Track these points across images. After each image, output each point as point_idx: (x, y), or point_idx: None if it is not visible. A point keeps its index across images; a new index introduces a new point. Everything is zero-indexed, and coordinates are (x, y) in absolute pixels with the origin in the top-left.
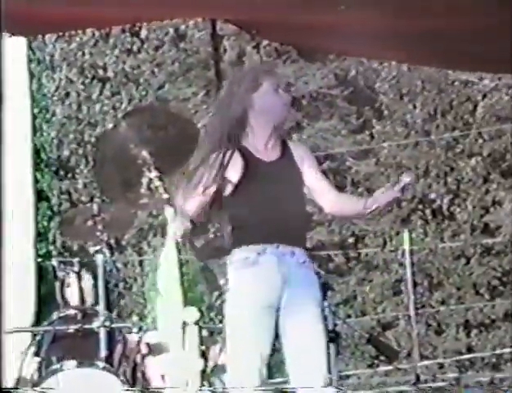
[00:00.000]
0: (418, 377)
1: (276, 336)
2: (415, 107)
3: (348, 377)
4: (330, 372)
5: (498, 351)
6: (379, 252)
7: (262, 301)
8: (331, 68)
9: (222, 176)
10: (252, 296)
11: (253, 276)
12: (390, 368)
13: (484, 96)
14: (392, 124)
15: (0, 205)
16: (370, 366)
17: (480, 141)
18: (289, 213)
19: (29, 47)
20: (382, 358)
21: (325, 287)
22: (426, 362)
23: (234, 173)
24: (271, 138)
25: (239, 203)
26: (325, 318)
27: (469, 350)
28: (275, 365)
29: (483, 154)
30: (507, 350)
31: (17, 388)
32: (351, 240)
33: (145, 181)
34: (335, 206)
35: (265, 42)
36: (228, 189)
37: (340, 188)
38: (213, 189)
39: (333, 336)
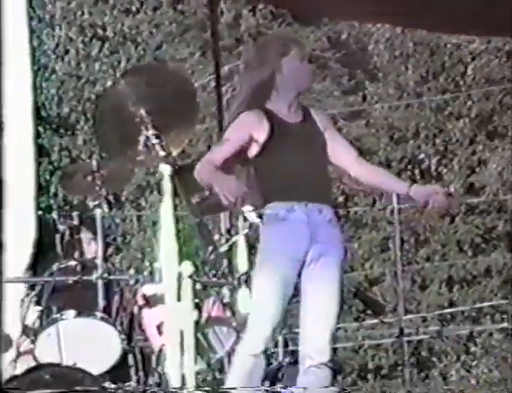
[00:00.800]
0: (402, 331)
1: (296, 288)
2: (407, 69)
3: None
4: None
5: (478, 305)
6: (368, 210)
7: (289, 254)
8: (324, 31)
9: (248, 134)
10: (280, 249)
11: (283, 231)
12: (376, 321)
13: (473, 58)
14: (385, 86)
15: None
16: (356, 319)
17: (469, 103)
18: (314, 172)
19: (30, 5)
20: (368, 312)
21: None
22: (410, 316)
23: (261, 133)
24: (295, 103)
25: (267, 162)
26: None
27: (451, 304)
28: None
29: (471, 115)
30: (486, 304)
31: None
32: (341, 198)
33: (142, 139)
34: (361, 172)
35: (260, 6)
36: (254, 149)
37: None
38: (238, 143)
39: None
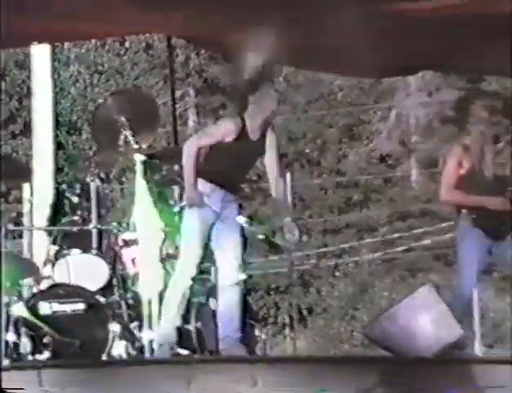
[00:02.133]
0: (292, 263)
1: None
2: (299, 94)
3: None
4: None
5: (342, 246)
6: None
7: (207, 217)
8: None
9: (227, 137)
10: (201, 214)
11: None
12: (276, 257)
13: (340, 89)
14: (285, 104)
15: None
16: (264, 256)
17: (337, 117)
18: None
19: (53, 50)
20: (271, 251)
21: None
22: (299, 253)
23: (231, 138)
24: (262, 125)
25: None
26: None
27: (325, 245)
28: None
29: (339, 125)
30: (347, 245)
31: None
32: (255, 177)
33: (122, 137)
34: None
35: (202, 51)
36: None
37: None
38: (216, 140)
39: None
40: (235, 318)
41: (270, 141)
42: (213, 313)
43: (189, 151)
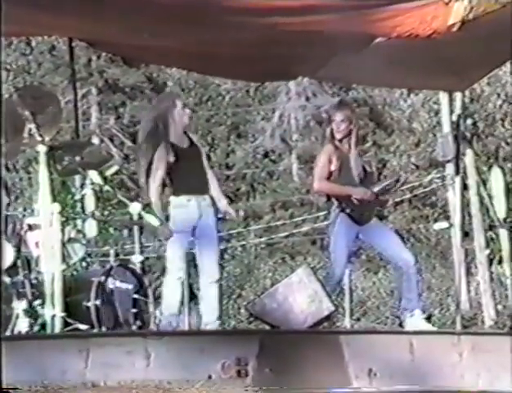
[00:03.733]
0: None
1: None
2: (190, 96)
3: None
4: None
5: (233, 231)
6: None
7: (186, 227)
8: (143, 71)
9: (166, 161)
10: (181, 224)
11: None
12: None
13: (228, 92)
14: None
15: None
16: (159, 241)
17: (225, 117)
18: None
19: None
20: None
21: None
22: None
23: (170, 158)
24: (183, 135)
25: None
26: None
27: None
28: None
29: (227, 123)
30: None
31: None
32: None
33: (27, 129)
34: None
35: (103, 54)
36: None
37: None
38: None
39: None
40: (216, 310)
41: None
42: (111, 292)
43: None
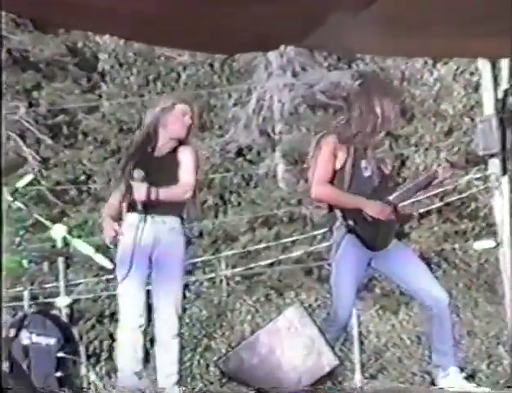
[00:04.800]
0: None
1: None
2: (132, 74)
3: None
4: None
5: (192, 261)
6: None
7: (140, 251)
8: (63, 39)
9: None
10: (131, 247)
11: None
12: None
13: (185, 68)
14: (115, 87)
15: None
16: (96, 276)
17: None
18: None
19: None
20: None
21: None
22: None
23: None
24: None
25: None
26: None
27: None
28: None
29: None
30: (199, 259)
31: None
32: (83, 177)
33: None
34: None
35: (3, 13)
36: None
37: (71, 137)
38: None
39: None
40: (175, 372)
41: (182, 154)
42: (26, 351)
43: None
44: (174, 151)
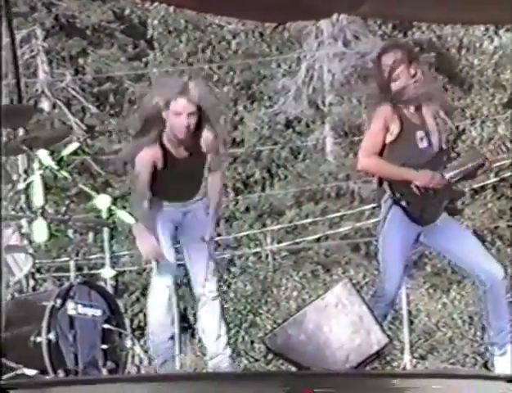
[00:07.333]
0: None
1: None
2: (181, 42)
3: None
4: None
5: (237, 235)
6: None
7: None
8: (110, 5)
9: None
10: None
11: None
12: None
13: (234, 36)
14: (163, 54)
15: None
16: None
17: (231, 73)
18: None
19: None
20: None
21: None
22: None
23: (158, 164)
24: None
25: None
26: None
27: (218, 235)
28: None
29: (234, 82)
30: (244, 233)
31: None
32: None
33: None
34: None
35: None
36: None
37: (117, 105)
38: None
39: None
40: (223, 334)
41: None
42: (71, 322)
43: None
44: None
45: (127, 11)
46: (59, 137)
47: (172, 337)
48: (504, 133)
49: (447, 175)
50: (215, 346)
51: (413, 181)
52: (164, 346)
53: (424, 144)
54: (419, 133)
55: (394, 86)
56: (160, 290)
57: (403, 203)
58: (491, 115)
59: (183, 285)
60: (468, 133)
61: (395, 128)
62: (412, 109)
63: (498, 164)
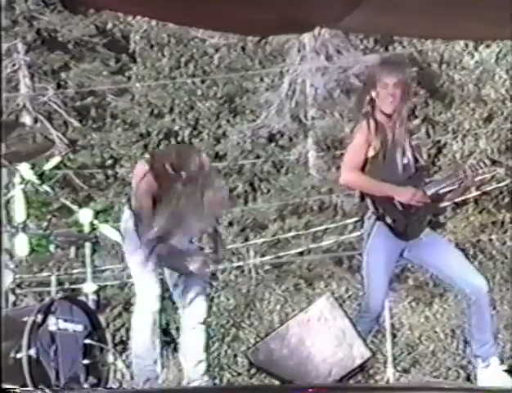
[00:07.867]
0: None
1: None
2: (163, 56)
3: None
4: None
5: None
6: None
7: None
8: (92, 20)
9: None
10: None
11: None
12: None
13: (217, 50)
14: (145, 69)
15: None
16: (122, 262)
17: (214, 87)
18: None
19: None
20: None
21: None
22: None
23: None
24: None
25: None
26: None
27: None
28: None
29: (217, 96)
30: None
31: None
32: (110, 161)
33: None
34: None
35: None
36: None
37: (99, 119)
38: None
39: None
40: (204, 359)
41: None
42: (52, 337)
43: None
44: None
45: (109, 25)
46: (40, 152)
47: (156, 361)
48: (485, 147)
49: (429, 192)
50: (195, 372)
51: (395, 197)
52: (149, 369)
53: (405, 160)
54: (401, 149)
55: (387, 106)
56: (145, 314)
57: (388, 220)
58: (473, 130)
59: (165, 298)
60: (449, 147)
61: (377, 144)
62: (398, 124)
63: (479, 178)
